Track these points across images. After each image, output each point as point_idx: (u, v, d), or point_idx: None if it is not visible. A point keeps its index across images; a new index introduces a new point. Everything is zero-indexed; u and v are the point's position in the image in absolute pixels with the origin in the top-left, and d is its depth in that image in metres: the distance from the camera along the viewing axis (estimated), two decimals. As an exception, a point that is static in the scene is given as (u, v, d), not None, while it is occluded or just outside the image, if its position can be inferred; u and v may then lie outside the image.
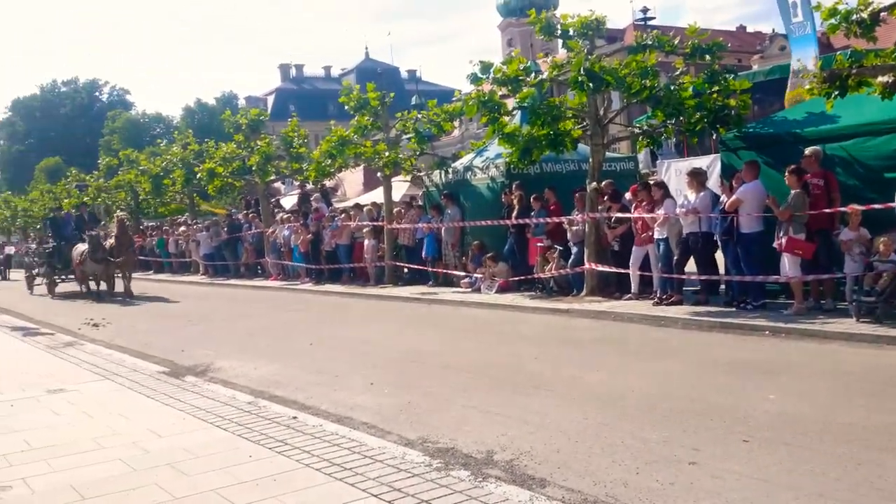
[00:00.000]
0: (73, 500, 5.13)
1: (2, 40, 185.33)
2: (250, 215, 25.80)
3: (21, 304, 21.51)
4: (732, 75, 12.98)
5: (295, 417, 6.89)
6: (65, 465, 5.85)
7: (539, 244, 14.59)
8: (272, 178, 25.38)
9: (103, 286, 21.65)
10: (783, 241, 10.38)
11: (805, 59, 12.21)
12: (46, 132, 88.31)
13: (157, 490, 5.20)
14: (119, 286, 21.51)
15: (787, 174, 10.45)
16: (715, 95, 12.49)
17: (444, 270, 17.07)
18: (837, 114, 10.75)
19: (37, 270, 25.63)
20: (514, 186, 15.17)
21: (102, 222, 25.99)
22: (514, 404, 7.19)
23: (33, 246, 28.39)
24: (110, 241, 21.18)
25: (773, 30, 56.94)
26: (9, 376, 9.55)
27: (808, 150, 10.66)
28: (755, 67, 30.76)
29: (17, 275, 37.76)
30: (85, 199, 36.31)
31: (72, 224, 24.52)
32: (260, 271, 24.95)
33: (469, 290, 15.87)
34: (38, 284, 24.90)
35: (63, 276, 23.83)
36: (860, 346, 8.81)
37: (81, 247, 21.36)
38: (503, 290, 15.13)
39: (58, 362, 10.69)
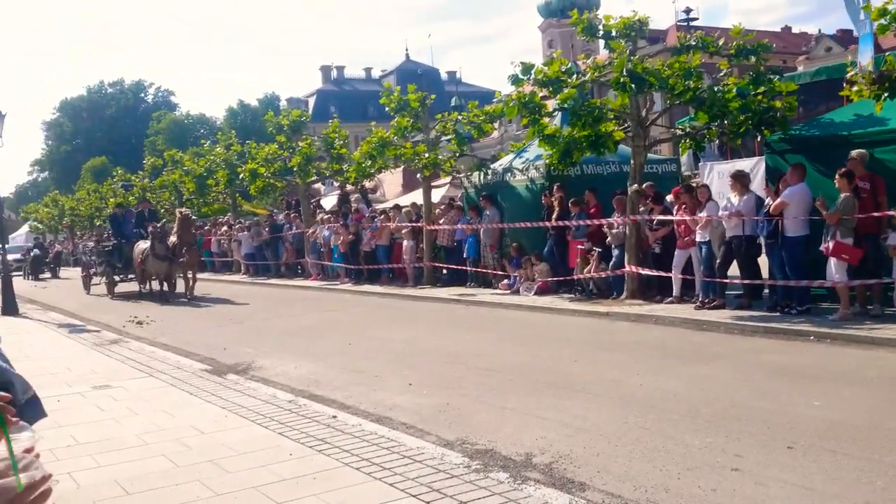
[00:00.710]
0: (118, 494, 5.22)
1: (51, 42, 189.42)
2: (291, 215, 26.03)
3: (67, 301, 21.97)
4: (778, 77, 12.78)
5: (335, 416, 6.94)
6: (110, 461, 5.95)
7: (579, 246, 14.51)
8: (313, 178, 25.56)
9: (162, 286, 20.68)
10: (830, 245, 10.19)
11: (863, 59, 11.93)
12: (93, 132, 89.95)
13: (199, 486, 5.26)
14: (180, 286, 20.77)
15: (836, 177, 10.25)
16: (760, 97, 12.30)
17: (484, 271, 17.05)
18: (887, 116, 10.53)
19: (94, 269, 24.81)
20: (555, 188, 15.10)
21: (164, 220, 24.19)
22: (553, 407, 7.16)
23: (91, 244, 27.59)
24: (172, 239, 20.08)
25: (819, 31, 56.10)
26: (56, 372, 9.76)
27: (853, 153, 10.45)
28: (800, 69, 30.27)
29: (67, 272, 38.16)
30: (147, 194, 34.89)
31: (132, 221, 23.36)
32: (300, 271, 25.15)
33: (507, 291, 15.84)
34: (96, 284, 24.16)
35: (123, 276, 22.84)
36: (909, 353, 8.61)
37: (143, 244, 20.42)
38: (542, 292, 15.07)
39: (103, 359, 10.90)
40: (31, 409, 2.44)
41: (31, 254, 37.34)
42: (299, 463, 5.64)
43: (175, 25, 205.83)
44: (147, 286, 21.29)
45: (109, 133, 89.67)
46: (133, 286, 22.45)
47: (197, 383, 8.76)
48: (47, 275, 37.57)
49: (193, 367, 9.87)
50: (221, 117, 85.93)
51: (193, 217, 22.96)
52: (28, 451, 1.67)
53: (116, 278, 22.80)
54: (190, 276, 20.31)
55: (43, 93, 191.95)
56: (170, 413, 7.42)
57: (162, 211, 38.81)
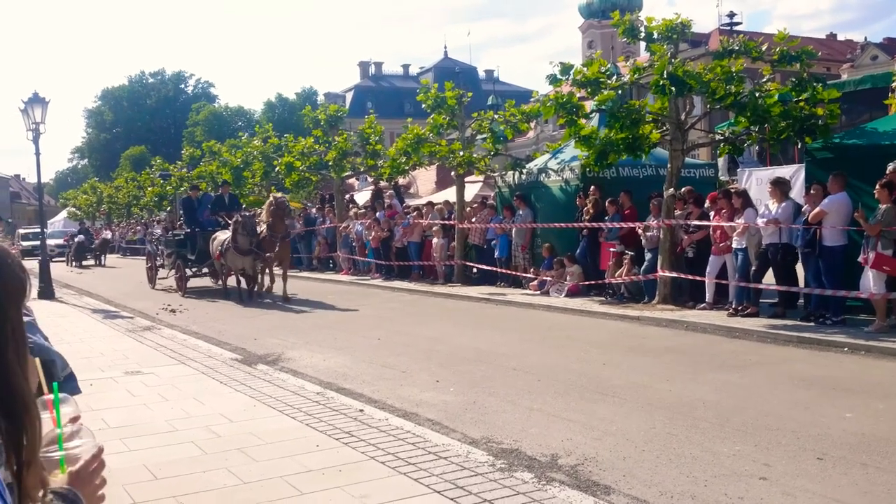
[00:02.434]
0: (146, 479, 5.30)
1: (94, 32, 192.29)
2: (325, 210, 26.17)
3: (102, 287, 22.25)
4: (821, 84, 12.58)
5: (362, 410, 6.97)
6: (139, 445, 6.04)
7: (612, 249, 14.41)
8: (347, 173, 25.68)
9: (239, 284, 17.68)
10: (870, 256, 10.02)
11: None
12: (133, 122, 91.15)
13: (226, 474, 5.32)
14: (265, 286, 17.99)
15: (877, 188, 10.08)
16: (802, 104, 12.13)
17: (514, 272, 17.01)
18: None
19: (161, 261, 21.59)
20: (591, 189, 15.02)
21: (244, 205, 21.53)
22: (580, 409, 7.13)
23: (158, 231, 24.50)
24: (261, 230, 17.23)
25: (866, 38, 55.19)
26: (89, 357, 9.92)
27: (891, 165, 10.26)
28: (844, 77, 29.85)
29: (113, 261, 37.26)
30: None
31: (209, 207, 20.05)
32: (331, 265, 25.28)
33: (538, 292, 15.78)
34: (163, 278, 21.02)
35: (197, 270, 19.90)
36: (946, 369, 8.45)
37: (222, 235, 17.58)
38: (572, 294, 14.99)
39: (136, 345, 11.05)
40: (68, 385, 2.54)
41: (76, 240, 35.83)
42: (326, 454, 5.68)
43: (216, 18, 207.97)
44: (223, 282, 18.62)
45: (149, 123, 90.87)
46: (206, 281, 20.33)
47: (227, 372, 8.86)
48: (91, 262, 36.04)
49: (224, 356, 9.97)
50: (259, 110, 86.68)
51: (289, 204, 18.68)
52: (74, 420, 1.72)
53: (189, 272, 19.78)
54: (279, 273, 17.65)
55: (85, 81, 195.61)
56: (199, 400, 7.51)
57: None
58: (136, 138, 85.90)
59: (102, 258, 36.35)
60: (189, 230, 19.88)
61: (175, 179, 39.59)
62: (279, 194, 19.22)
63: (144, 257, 23.81)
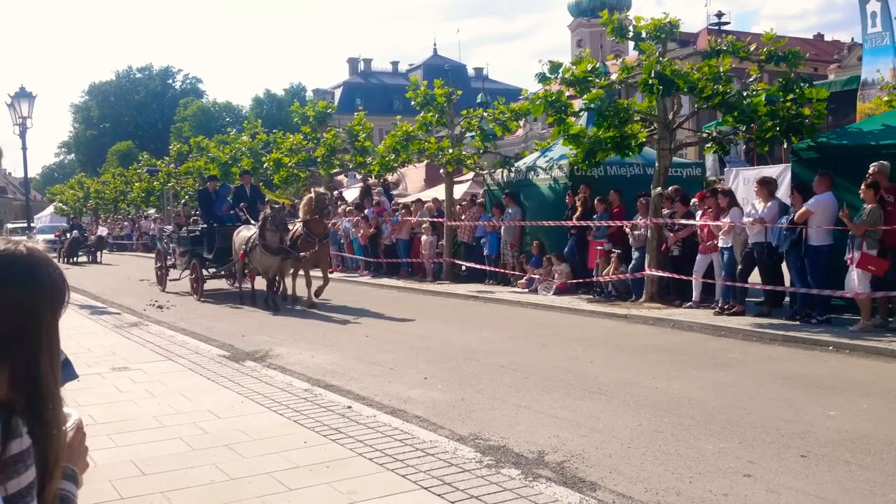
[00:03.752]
0: (134, 474, 5.30)
1: (82, 26, 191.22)
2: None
3: (89, 283, 22.13)
4: (808, 84, 12.67)
5: (350, 407, 6.99)
6: (127, 441, 6.04)
7: (599, 247, 14.47)
8: (336, 170, 25.66)
9: (275, 288, 15.49)
10: (856, 256, 10.10)
11: (883, 70, 11.87)
12: (120, 117, 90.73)
13: (214, 470, 5.33)
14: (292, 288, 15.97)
15: (862, 187, 10.16)
16: (788, 104, 12.21)
17: (503, 270, 17.05)
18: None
19: (173, 261, 19.22)
20: (581, 188, 15.07)
21: (267, 198, 19.24)
22: (567, 407, 7.17)
23: (169, 227, 21.30)
24: (296, 228, 15.39)
25: (853, 39, 55.32)
26: (76, 353, 9.87)
27: (875, 165, 10.34)
28: (831, 77, 30.03)
29: (111, 258, 35.46)
30: (245, 165, 27.79)
31: (228, 200, 17.94)
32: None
33: (526, 290, 15.83)
34: (175, 279, 18.74)
35: (216, 270, 17.75)
36: (929, 368, 8.53)
37: (246, 231, 15.56)
38: (560, 292, 15.04)
39: (123, 341, 11.02)
40: (64, 370, 2.60)
41: (70, 235, 33.98)
42: (313, 451, 5.70)
43: (205, 13, 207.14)
44: (239, 285, 16.56)
45: (136, 118, 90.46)
46: (221, 283, 18.30)
47: (215, 369, 8.85)
48: (83, 259, 33.85)
49: (212, 353, 9.96)
50: (248, 106, 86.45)
51: (329, 199, 15.82)
52: (77, 431, 1.73)
53: (206, 274, 17.62)
54: (314, 276, 15.69)
55: (72, 76, 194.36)
56: (187, 397, 7.51)
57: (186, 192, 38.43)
58: (123, 133, 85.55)
59: (98, 255, 34.22)
60: (206, 226, 17.83)
61: (162, 175, 39.44)
62: (320, 189, 17.25)
63: (154, 255, 21.36)
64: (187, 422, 6.56)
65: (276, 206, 15.31)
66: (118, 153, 76.38)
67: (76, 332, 11.89)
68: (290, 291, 15.89)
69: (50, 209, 64.98)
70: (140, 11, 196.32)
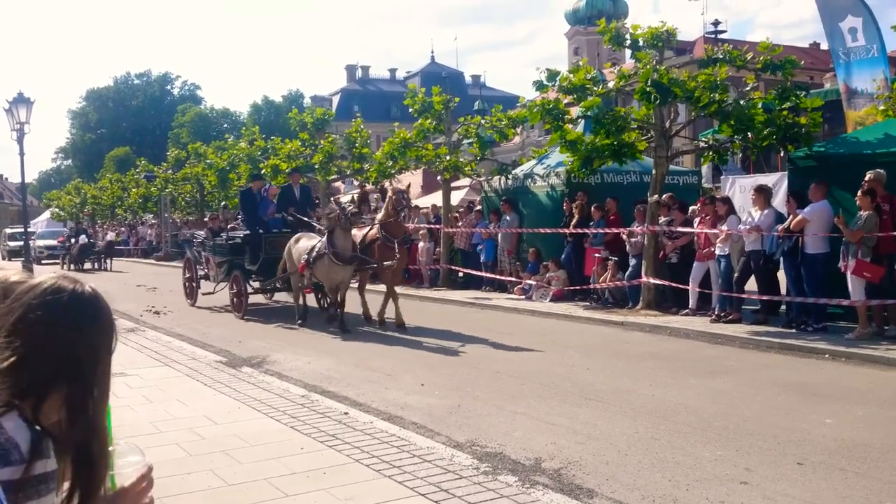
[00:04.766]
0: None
1: (80, 32, 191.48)
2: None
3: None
4: (804, 92, 12.72)
5: (346, 413, 6.99)
6: (124, 446, 6.01)
7: (596, 254, 14.50)
8: (334, 176, 25.68)
9: (341, 306, 12.90)
10: (852, 263, 10.12)
11: (876, 80, 11.98)
12: (118, 122, 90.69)
13: (211, 476, 5.33)
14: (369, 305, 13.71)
15: (859, 195, 10.19)
16: (785, 112, 12.26)
17: (500, 276, 17.07)
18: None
19: (206, 271, 16.63)
20: (578, 195, 15.10)
21: (317, 201, 17.13)
22: (564, 413, 7.18)
23: (201, 233, 18.31)
24: (371, 232, 13.26)
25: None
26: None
27: (871, 173, 10.38)
28: (827, 85, 30.09)
29: (127, 265, 33.81)
30: (293, 163, 24.34)
31: (273, 203, 15.66)
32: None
33: (522, 297, 15.84)
34: (209, 293, 16.14)
35: (264, 284, 15.43)
36: (925, 376, 8.55)
37: (307, 240, 13.25)
38: (557, 299, 15.05)
39: (119, 347, 10.93)
40: None
41: (78, 241, 32.17)
42: (310, 457, 5.70)
43: (203, 19, 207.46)
44: (295, 299, 14.14)
45: (134, 124, 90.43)
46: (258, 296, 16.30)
47: (212, 374, 8.85)
48: (88, 265, 31.88)
49: (209, 359, 9.95)
50: (246, 112, 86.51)
51: (407, 198, 13.27)
52: (141, 479, 1.73)
53: (250, 288, 15.22)
54: (392, 291, 13.07)
55: (70, 81, 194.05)
56: (184, 402, 7.50)
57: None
58: (120, 139, 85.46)
59: (108, 262, 32.56)
60: (250, 232, 15.17)
61: (160, 181, 39.41)
62: (398, 186, 14.46)
63: (182, 265, 18.78)
64: (184, 427, 6.55)
65: (347, 209, 12.81)
66: (115, 159, 76.32)
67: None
68: (362, 313, 13.53)
69: (46, 214, 64.85)
70: (139, 18, 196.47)
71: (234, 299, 15.06)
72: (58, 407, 1.55)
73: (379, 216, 13.44)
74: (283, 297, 15.82)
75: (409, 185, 14.33)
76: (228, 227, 16.85)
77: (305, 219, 14.72)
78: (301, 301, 13.93)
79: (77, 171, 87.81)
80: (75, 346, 1.57)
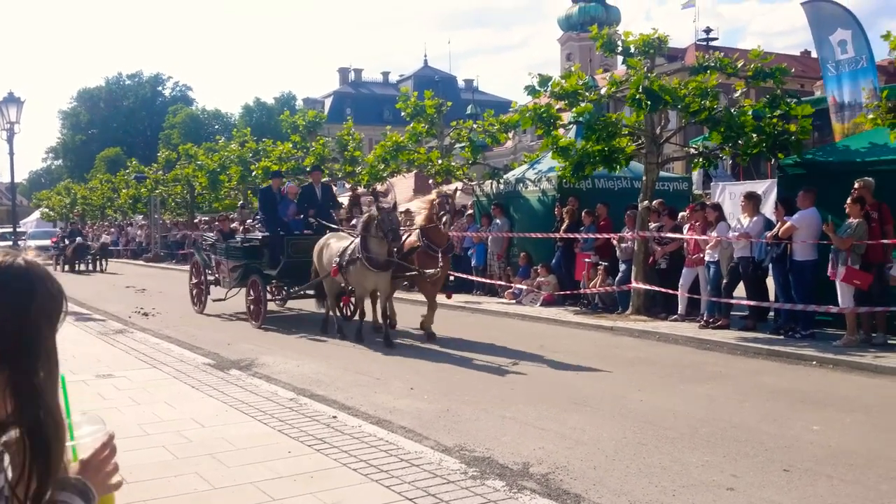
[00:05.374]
0: (117, 482, 5.26)
1: (71, 32, 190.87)
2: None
3: (73, 289, 21.94)
4: (794, 100, 12.79)
5: (335, 417, 6.98)
6: (110, 448, 5.99)
7: (586, 259, 14.53)
8: (325, 179, 25.67)
9: (382, 316, 11.93)
10: (842, 271, 10.17)
11: (864, 90, 12.06)
12: (109, 123, 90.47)
13: (197, 479, 5.31)
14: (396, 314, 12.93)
15: (849, 203, 10.24)
16: (775, 120, 12.32)
17: (490, 281, 17.07)
18: (902, 145, 10.55)
19: (217, 276, 15.42)
20: (569, 200, 15.13)
21: (386, 197, 15.80)
22: (552, 418, 7.18)
23: (211, 235, 17.31)
24: (411, 239, 12.02)
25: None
26: (60, 359, 9.80)
27: (860, 181, 10.44)
28: (818, 93, 30.22)
29: (116, 266, 32.73)
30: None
31: (293, 202, 14.62)
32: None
33: (513, 301, 15.85)
34: (220, 300, 14.99)
35: (287, 290, 14.36)
36: (911, 383, 8.60)
37: (337, 242, 12.19)
38: (547, 303, 15.07)
39: (108, 348, 10.96)
40: None
41: (74, 241, 31.21)
42: (297, 461, 5.68)
43: (196, 21, 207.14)
44: (325, 308, 13.03)
45: (125, 124, 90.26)
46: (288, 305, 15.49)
47: (199, 377, 8.82)
48: (82, 267, 31.21)
49: (197, 361, 9.92)
50: (237, 114, 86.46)
51: (451, 203, 12.08)
52: (102, 447, 1.71)
53: (270, 297, 14.19)
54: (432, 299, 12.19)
55: (61, 81, 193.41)
56: (171, 405, 7.47)
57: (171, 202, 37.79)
58: (111, 140, 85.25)
59: (103, 263, 31.66)
60: (269, 234, 14.20)
61: (150, 182, 39.32)
62: (452, 186, 13.34)
63: (189, 268, 17.30)
64: (171, 430, 6.53)
65: (385, 206, 11.72)
66: (106, 159, 76.14)
67: (60, 339, 11.72)
68: (390, 323, 12.07)
69: (36, 214, 64.56)
70: (131, 18, 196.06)
71: (251, 307, 13.77)
72: (4, 392, 1.48)
73: (418, 220, 12.26)
74: (296, 304, 15.24)
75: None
76: (245, 226, 15.75)
77: (329, 224, 13.77)
78: (335, 311, 12.87)
79: (67, 172, 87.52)
80: (9, 322, 1.49)
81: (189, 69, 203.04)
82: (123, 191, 44.54)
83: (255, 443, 6.15)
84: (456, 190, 13.51)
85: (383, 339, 11.42)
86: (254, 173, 27.82)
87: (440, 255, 11.66)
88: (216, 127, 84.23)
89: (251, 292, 13.81)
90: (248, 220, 16.34)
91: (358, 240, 11.53)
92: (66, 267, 30.64)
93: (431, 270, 11.61)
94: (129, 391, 8.08)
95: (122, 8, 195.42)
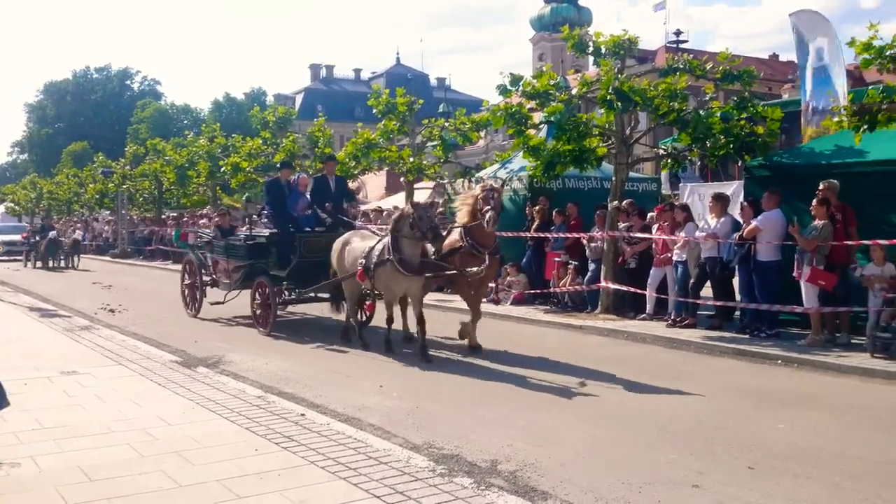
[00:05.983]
0: (80, 480, 5.20)
1: (37, 24, 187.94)
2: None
3: (39, 285, 21.65)
4: (761, 101, 12.93)
5: (303, 414, 6.94)
6: (74, 447, 5.92)
7: (556, 259, 14.59)
8: (294, 177, 25.52)
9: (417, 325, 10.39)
10: (807, 271, 10.31)
11: (835, 95, 12.19)
12: (76, 117, 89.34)
13: (162, 477, 5.25)
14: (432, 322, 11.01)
15: (814, 204, 10.38)
16: (742, 122, 12.45)
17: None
18: (866, 148, 10.70)
19: (216, 275, 14.13)
20: (540, 199, 15.17)
21: (358, 195, 14.39)
22: (522, 417, 7.20)
23: (208, 231, 16.34)
24: (453, 237, 10.72)
25: (806, 60, 56.44)
26: (24, 356, 9.67)
27: (825, 183, 10.59)
28: (785, 96, 30.64)
29: (84, 262, 31.11)
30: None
31: (305, 196, 13.21)
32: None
33: (484, 300, 15.83)
34: (218, 303, 13.90)
35: (297, 293, 12.82)
36: (874, 382, 8.74)
37: (361, 241, 11.12)
38: (517, 302, 15.11)
39: (73, 345, 10.81)
40: None
41: (48, 237, 29.45)
42: (265, 459, 5.64)
43: (165, 14, 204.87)
44: (346, 313, 11.80)
45: (92, 118, 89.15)
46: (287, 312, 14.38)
47: (166, 374, 8.73)
48: (53, 263, 29.49)
49: (163, 358, 9.81)
50: (206, 109, 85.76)
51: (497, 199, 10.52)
52: None
53: (280, 299, 12.75)
54: (475, 310, 11.10)
55: (27, 74, 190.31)
56: (137, 402, 7.39)
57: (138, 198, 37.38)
58: (78, 134, 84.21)
59: (75, 260, 30.09)
60: (278, 229, 12.79)
61: (117, 177, 38.83)
62: (496, 181, 12.35)
63: (181, 268, 15.62)
64: (136, 428, 6.45)
65: (423, 202, 10.82)
66: (73, 154, 75.15)
67: (25, 335, 11.64)
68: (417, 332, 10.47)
69: (0, 209, 63.49)
70: (100, 11, 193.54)
71: (258, 311, 12.62)
72: None
73: (460, 216, 10.87)
74: (299, 308, 14.52)
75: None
76: (246, 223, 14.62)
77: (346, 218, 12.86)
78: (355, 317, 11.86)
79: (33, 166, 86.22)
80: None
81: (158, 63, 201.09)
82: (90, 186, 43.91)
83: (222, 441, 6.10)
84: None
85: (419, 350, 10.14)
86: (223, 169, 27.57)
87: (486, 257, 10.44)
88: (185, 122, 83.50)
89: (258, 295, 12.63)
90: (254, 215, 15.00)
91: (388, 239, 10.29)
92: (39, 263, 29.66)
93: (475, 269, 10.34)
94: (94, 388, 7.97)
95: (91, 0, 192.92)
